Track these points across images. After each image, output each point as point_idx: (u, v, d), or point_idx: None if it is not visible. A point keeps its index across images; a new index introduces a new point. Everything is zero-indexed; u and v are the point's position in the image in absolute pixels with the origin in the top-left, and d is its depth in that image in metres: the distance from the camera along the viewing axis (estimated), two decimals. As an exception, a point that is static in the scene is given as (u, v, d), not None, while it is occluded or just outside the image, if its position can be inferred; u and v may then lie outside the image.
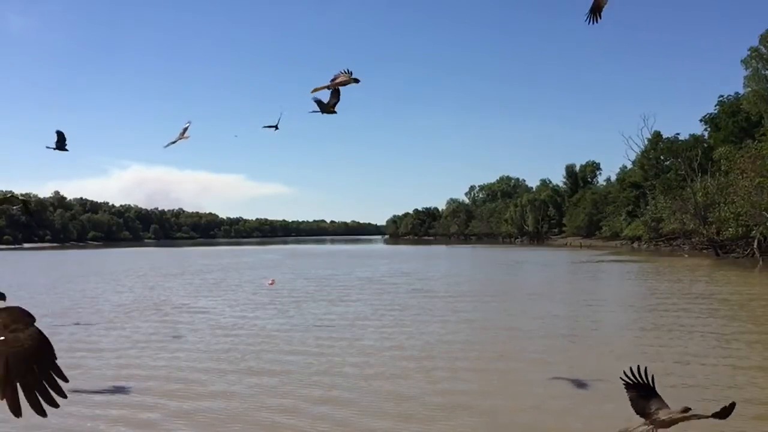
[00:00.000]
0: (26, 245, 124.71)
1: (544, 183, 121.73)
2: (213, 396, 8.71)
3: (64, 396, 1.61)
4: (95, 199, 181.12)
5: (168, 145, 9.14)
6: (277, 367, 10.46)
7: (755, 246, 40.88)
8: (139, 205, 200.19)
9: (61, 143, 9.96)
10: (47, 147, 10.01)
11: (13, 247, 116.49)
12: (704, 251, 49.98)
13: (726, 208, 42.65)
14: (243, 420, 7.63)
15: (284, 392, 8.86)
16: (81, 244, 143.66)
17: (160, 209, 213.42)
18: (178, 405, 8.28)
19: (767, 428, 7.14)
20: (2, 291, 4.07)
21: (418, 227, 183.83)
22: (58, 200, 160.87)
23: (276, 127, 7.68)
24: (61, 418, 7.79)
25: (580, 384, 9.13)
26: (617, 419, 7.46)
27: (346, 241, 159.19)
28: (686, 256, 49.22)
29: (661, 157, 67.82)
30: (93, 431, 7.37)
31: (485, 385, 9.19)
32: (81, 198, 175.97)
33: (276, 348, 12.27)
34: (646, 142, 69.59)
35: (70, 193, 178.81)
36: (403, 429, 7.28)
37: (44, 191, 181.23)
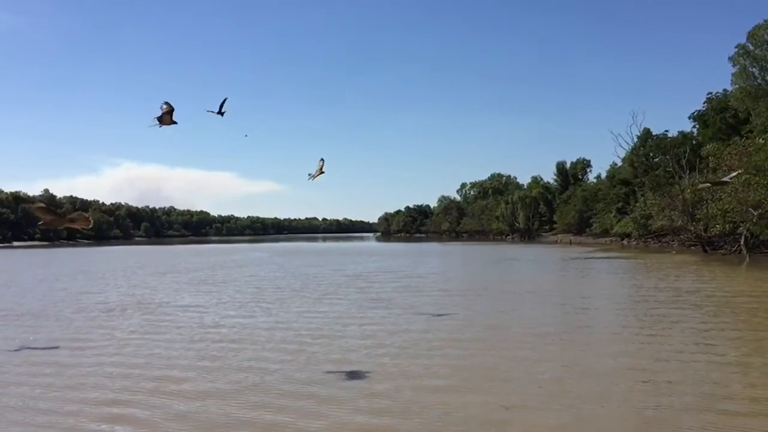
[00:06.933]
0: (16, 243, 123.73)
1: (535, 180, 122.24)
2: (190, 392, 8.61)
3: None
4: (86, 198, 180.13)
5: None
6: (256, 364, 10.37)
7: (742, 242, 41.19)
8: (130, 203, 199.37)
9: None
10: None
11: (2, 245, 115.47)
12: (692, 248, 50.28)
13: (713, 204, 42.90)
14: (219, 414, 7.56)
15: (261, 388, 8.79)
16: (71, 242, 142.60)
17: (151, 207, 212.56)
18: (155, 401, 8.19)
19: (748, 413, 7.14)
20: None
21: (409, 224, 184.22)
22: (48, 198, 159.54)
23: (221, 112, 7.39)
24: (36, 415, 7.70)
25: (557, 379, 9.11)
26: (603, 415, 7.45)
27: (338, 239, 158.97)
28: (674, 252, 49.54)
29: (650, 154, 68.12)
30: (68, 427, 7.27)
31: (462, 382, 9.15)
32: (71, 196, 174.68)
33: (256, 344, 12.18)
34: (636, 139, 69.86)
35: (60, 191, 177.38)
36: (375, 424, 7.24)
37: (34, 189, 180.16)
